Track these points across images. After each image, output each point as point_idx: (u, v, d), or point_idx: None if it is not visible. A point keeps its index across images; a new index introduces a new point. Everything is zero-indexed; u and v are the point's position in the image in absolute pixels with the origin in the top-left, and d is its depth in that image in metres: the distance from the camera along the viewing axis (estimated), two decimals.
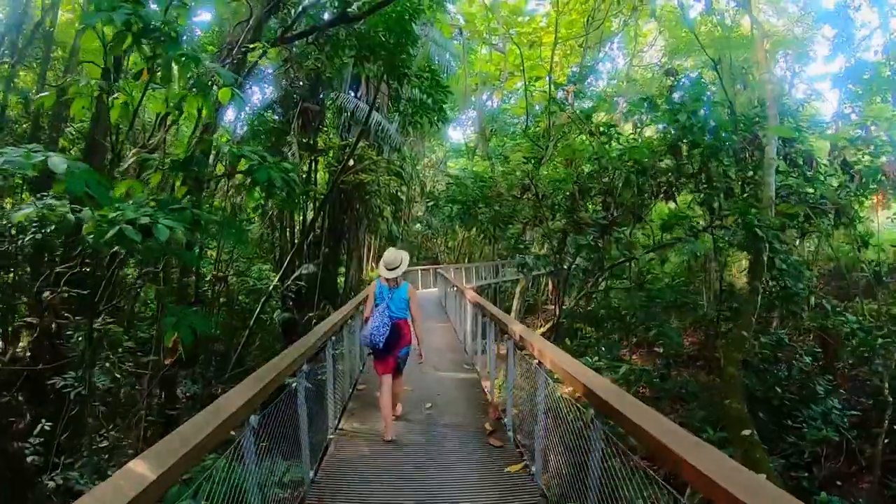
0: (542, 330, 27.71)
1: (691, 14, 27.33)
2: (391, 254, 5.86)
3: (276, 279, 13.44)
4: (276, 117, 20.56)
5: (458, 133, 46.26)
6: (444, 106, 11.15)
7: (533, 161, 13.59)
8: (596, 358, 10.46)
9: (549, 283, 35.90)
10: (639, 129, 11.38)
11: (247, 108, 20.21)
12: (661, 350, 15.12)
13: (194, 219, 4.63)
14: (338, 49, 12.28)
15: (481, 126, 28.41)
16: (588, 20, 22.15)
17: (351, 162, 16.05)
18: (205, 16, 15.92)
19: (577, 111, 13.79)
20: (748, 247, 9.84)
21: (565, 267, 13.01)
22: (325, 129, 20.66)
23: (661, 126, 13.08)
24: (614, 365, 10.79)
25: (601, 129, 11.35)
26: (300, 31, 10.43)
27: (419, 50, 16.68)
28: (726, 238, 10.05)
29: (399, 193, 26.93)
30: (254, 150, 5.07)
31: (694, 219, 10.95)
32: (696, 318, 22.02)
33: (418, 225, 34.79)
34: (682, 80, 13.10)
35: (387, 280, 5.78)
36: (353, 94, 20.56)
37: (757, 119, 11.28)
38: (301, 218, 19.43)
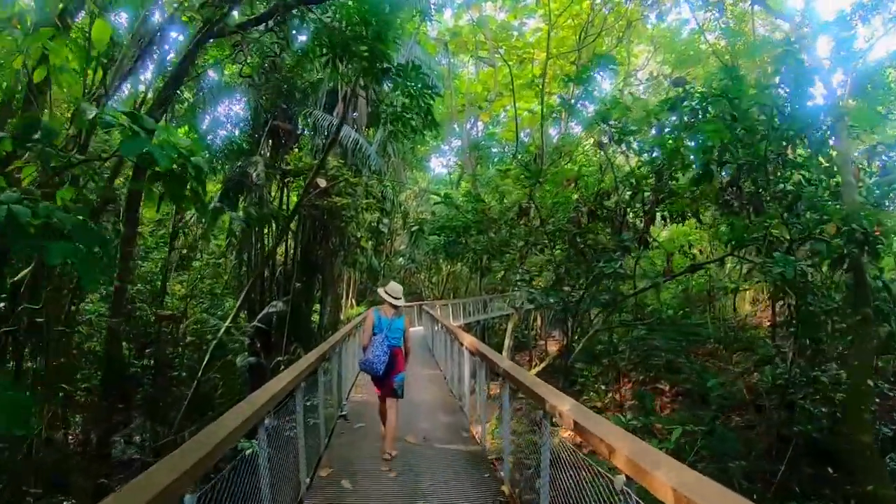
0: (537, 370, 25.56)
1: (685, 31, 26.37)
2: (395, 284, 6.29)
3: (230, 319, 11.24)
4: (247, 141, 18.72)
5: (442, 165, 44.60)
6: (431, 109, 9.32)
7: (532, 179, 11.78)
8: (630, 416, 8.38)
9: (539, 318, 33.89)
10: (669, 133, 9.55)
11: (211, 128, 18.36)
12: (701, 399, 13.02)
13: (9, 218, 2.61)
14: (307, 52, 10.54)
15: (468, 150, 26.74)
16: (580, 36, 20.84)
17: (323, 182, 14.06)
18: None
19: (576, 121, 12.05)
20: (853, 263, 7.96)
21: (576, 299, 11.04)
22: (300, 149, 18.77)
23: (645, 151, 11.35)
24: (650, 423, 8.75)
25: (619, 134, 9.53)
26: (259, 14, 8.59)
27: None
28: (821, 253, 8.11)
29: (380, 225, 25.04)
30: (126, 112, 3.09)
31: (772, 230, 8.92)
32: (710, 352, 20.22)
33: (401, 259, 32.71)
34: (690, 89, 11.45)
35: (391, 308, 6.10)
36: (332, 118, 18.79)
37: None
38: (265, 249, 17.33)
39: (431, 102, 9.25)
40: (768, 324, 23.54)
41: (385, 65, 8.86)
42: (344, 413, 7.63)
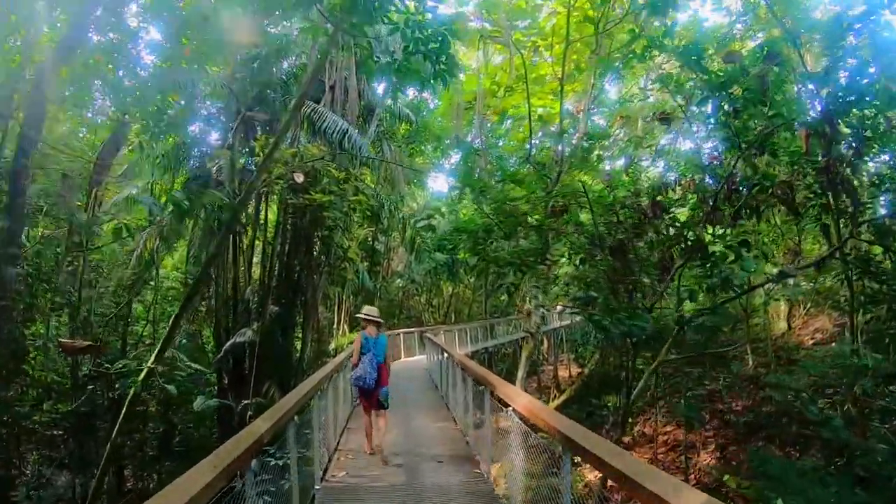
0: (558, 402, 22.41)
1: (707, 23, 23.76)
2: (371, 307, 7.20)
3: (157, 351, 8.12)
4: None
5: (441, 183, 40.67)
6: (446, 46, 6.46)
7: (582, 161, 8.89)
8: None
9: (545, 341, 30.87)
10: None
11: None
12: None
13: None
14: None
15: (480, 152, 23.82)
16: (600, 24, 18.13)
17: (301, 179, 11.10)
18: None
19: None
20: None
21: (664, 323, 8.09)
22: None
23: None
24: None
25: (718, 83, 6.63)
26: None
27: None
28: None
29: (375, 243, 22.09)
30: None
31: None
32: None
33: (399, 280, 29.56)
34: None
35: (374, 328, 6.88)
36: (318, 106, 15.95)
37: None
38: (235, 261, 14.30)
39: (447, 41, 6.36)
40: (811, 342, 20.68)
41: None
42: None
